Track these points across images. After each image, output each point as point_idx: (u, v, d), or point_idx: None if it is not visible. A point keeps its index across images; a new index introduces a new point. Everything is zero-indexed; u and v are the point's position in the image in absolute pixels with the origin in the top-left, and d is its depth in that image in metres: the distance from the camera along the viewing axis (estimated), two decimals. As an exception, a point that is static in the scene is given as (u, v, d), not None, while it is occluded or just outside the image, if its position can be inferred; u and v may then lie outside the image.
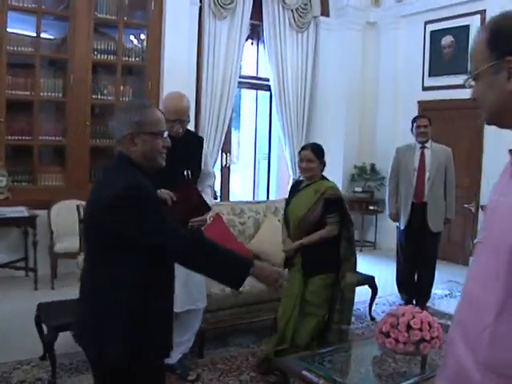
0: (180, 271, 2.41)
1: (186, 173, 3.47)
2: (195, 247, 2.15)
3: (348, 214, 3.84)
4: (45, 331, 3.80)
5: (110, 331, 2.08)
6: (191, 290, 3.69)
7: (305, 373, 2.82)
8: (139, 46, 6.91)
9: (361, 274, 5.36)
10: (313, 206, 3.73)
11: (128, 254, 2.06)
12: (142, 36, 6.86)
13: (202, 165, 3.75)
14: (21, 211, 5.64)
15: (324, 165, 3.89)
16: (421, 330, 2.95)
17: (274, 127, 8.59)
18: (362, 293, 5.34)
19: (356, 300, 5.39)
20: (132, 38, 6.90)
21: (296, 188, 4.01)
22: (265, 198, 8.16)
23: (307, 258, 3.77)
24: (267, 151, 9.03)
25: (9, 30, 6.00)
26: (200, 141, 3.85)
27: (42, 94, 6.24)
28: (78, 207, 4.53)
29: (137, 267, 2.07)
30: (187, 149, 3.60)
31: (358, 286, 5.15)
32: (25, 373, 3.78)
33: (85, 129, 6.43)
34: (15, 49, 6.08)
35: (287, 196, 4.13)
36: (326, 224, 3.72)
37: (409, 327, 2.97)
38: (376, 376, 3.20)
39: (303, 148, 3.93)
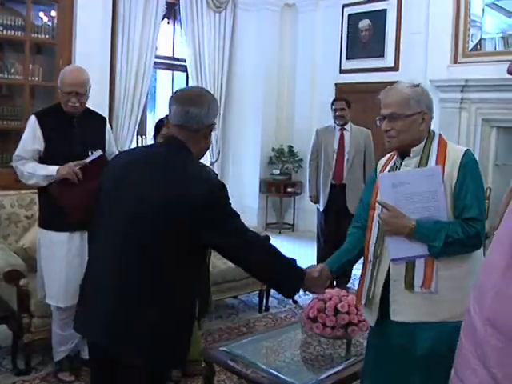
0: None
1: (91, 154, 3.34)
2: (264, 252, 2.17)
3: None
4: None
5: (168, 339, 2.01)
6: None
7: (231, 363, 2.76)
8: (49, 23, 6.52)
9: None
10: None
11: (193, 256, 2.03)
12: (53, 13, 6.47)
13: (106, 146, 3.55)
14: None
15: None
16: (348, 313, 2.96)
17: (191, 109, 8.42)
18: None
19: (277, 283, 5.49)
20: (41, 14, 6.49)
21: None
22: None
23: None
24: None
25: None
26: (102, 120, 3.67)
27: None
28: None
29: (196, 270, 2.10)
30: (87, 129, 3.42)
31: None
32: None
33: (-8, 110, 6.03)
34: None
35: None
36: None
37: (336, 311, 2.97)
38: (302, 360, 3.19)
39: (162, 123, 3.43)
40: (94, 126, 3.51)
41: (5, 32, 6.11)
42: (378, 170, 2.41)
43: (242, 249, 2.09)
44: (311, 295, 3.10)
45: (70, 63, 6.40)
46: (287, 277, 2.24)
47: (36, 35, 6.30)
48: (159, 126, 3.49)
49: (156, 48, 7.54)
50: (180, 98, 2.12)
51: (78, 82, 3.36)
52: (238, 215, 2.11)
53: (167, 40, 8.40)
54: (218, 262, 4.46)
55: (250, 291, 4.91)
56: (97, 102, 6.56)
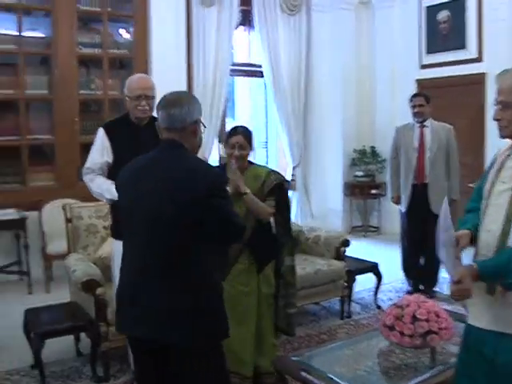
0: None
1: None
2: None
3: (287, 198, 3.61)
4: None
5: (206, 317, 2.19)
6: None
7: (303, 374, 2.63)
8: (125, 37, 6.70)
9: (364, 261, 5.20)
10: (258, 194, 3.35)
11: (207, 240, 2.21)
12: (128, 28, 6.64)
13: None
14: (10, 214, 5.47)
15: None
16: (427, 320, 2.76)
17: (271, 114, 8.39)
18: (367, 281, 5.17)
19: (360, 288, 5.31)
20: (117, 29, 6.68)
21: None
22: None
23: (260, 253, 3.41)
24: (265, 139, 8.85)
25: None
26: None
27: (26, 91, 6.04)
28: (64, 207, 4.34)
29: (211, 252, 2.25)
30: (156, 138, 3.38)
31: (362, 273, 5.02)
32: (13, 383, 3.63)
33: (73, 125, 6.23)
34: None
35: None
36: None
37: (414, 319, 2.78)
38: (382, 370, 3.01)
39: (233, 132, 3.42)
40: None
41: (84, 50, 6.32)
42: (499, 159, 2.22)
43: (241, 229, 2.35)
44: (395, 300, 2.95)
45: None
46: None
47: (113, 51, 6.49)
48: (230, 134, 3.44)
49: (232, 55, 7.56)
50: (163, 103, 2.28)
51: (147, 85, 3.43)
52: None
53: (243, 47, 8.44)
54: (296, 268, 4.35)
55: (330, 297, 4.77)
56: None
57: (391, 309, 2.89)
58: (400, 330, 2.77)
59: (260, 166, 3.57)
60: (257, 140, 9.04)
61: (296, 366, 2.74)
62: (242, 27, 8.05)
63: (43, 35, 6.28)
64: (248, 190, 3.23)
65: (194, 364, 2.20)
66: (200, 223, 2.13)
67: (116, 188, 2.43)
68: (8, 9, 6.02)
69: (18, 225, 5.56)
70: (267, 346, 3.42)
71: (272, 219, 3.49)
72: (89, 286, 3.59)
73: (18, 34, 5.95)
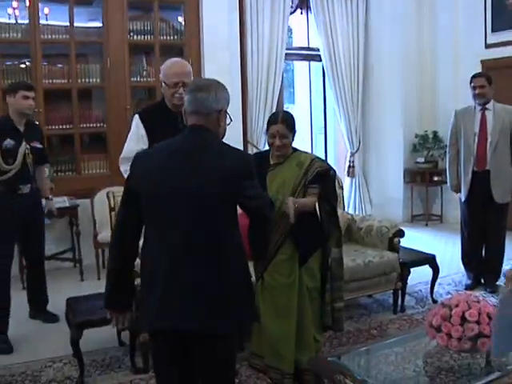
0: None
1: None
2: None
3: (334, 186, 3.43)
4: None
5: (245, 301, 2.22)
6: None
7: (338, 376, 2.45)
8: (176, 23, 6.62)
9: (421, 252, 4.93)
10: (301, 183, 3.21)
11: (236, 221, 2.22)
12: (179, 14, 6.56)
13: None
14: (62, 201, 5.52)
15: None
16: (478, 322, 2.52)
17: (329, 99, 8.15)
18: (424, 272, 4.91)
19: (417, 280, 5.05)
20: (169, 16, 6.61)
21: (264, 166, 3.32)
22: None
23: (302, 244, 3.24)
24: (323, 125, 8.63)
25: (42, 22, 5.92)
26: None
27: (79, 80, 6.09)
28: (108, 195, 4.31)
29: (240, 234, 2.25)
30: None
31: (417, 265, 4.75)
32: (55, 371, 3.64)
33: (125, 113, 6.21)
34: (49, 37, 5.95)
35: None
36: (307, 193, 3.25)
37: (464, 320, 2.55)
38: (430, 372, 2.78)
39: (272, 121, 3.28)
40: None
41: (135, 37, 6.29)
42: None
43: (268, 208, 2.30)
44: (454, 294, 2.71)
45: (199, 62, 6.48)
46: None
47: (164, 37, 6.43)
48: (269, 122, 3.31)
49: (289, 39, 7.39)
50: (191, 87, 2.26)
51: (184, 71, 3.30)
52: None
53: (301, 31, 8.22)
54: (345, 260, 4.15)
55: (382, 290, 4.53)
56: (230, 97, 6.59)
57: (438, 308, 2.66)
58: (447, 331, 2.54)
59: (304, 152, 3.41)
60: (315, 126, 8.85)
61: (332, 368, 2.57)
62: (299, 10, 7.85)
63: (95, 24, 6.30)
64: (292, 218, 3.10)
65: (228, 349, 2.25)
66: (235, 204, 2.17)
67: (143, 176, 2.21)
68: (58, 0, 6.05)
69: (71, 212, 5.62)
70: (308, 342, 3.29)
71: (317, 208, 3.34)
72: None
73: (69, 24, 5.98)
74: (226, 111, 2.28)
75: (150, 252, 2.19)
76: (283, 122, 3.22)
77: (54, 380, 3.53)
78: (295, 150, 3.36)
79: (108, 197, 4.31)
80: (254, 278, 3.30)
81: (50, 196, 4.70)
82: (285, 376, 3.27)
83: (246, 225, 3.69)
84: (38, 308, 4.59)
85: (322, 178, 3.25)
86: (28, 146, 4.23)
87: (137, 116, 3.39)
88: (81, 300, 3.83)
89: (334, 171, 3.45)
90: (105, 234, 5.38)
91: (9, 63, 6.02)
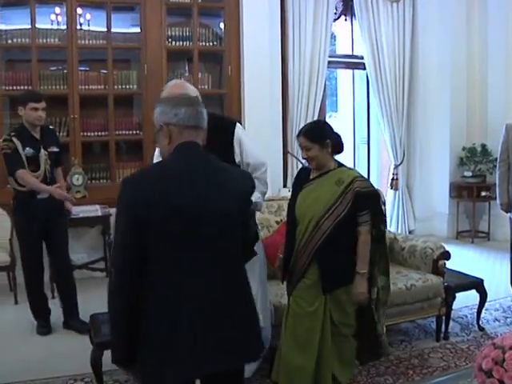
0: None
1: None
2: None
3: (382, 210, 3.13)
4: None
5: (257, 331, 2.14)
6: None
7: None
8: (217, 29, 6.48)
9: (468, 275, 4.61)
10: (337, 201, 2.95)
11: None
12: (219, 19, 6.41)
13: (239, 156, 3.17)
14: (95, 210, 5.42)
15: (333, 147, 3.04)
16: (536, 368, 2.24)
17: (373, 109, 7.89)
18: (470, 296, 4.59)
19: (461, 305, 4.73)
20: (208, 22, 6.47)
21: (304, 179, 3.17)
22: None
23: (327, 271, 2.97)
24: (366, 135, 8.36)
25: (83, 27, 5.90)
26: (225, 125, 3.22)
27: (115, 87, 6.00)
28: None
29: None
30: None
31: (463, 290, 4.44)
32: (74, 390, 3.50)
33: (162, 120, 6.09)
34: (87, 42, 5.90)
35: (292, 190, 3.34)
36: (358, 224, 2.97)
37: (519, 364, 2.27)
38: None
39: (298, 133, 3.14)
40: (220, 133, 3.09)
41: (173, 43, 6.18)
42: None
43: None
44: (501, 321, 2.45)
45: (239, 69, 6.32)
46: None
47: (203, 43, 6.31)
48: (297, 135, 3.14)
49: (331, 46, 7.18)
50: (188, 101, 2.14)
51: (192, 94, 3.00)
52: None
53: (346, 38, 7.99)
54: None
55: (425, 316, 4.23)
56: (269, 103, 6.46)
57: (489, 348, 2.39)
58: (499, 378, 2.25)
59: (349, 169, 3.12)
60: (358, 136, 8.58)
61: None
62: (343, 17, 7.62)
63: (132, 30, 6.22)
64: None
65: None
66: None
67: (159, 203, 1.93)
68: (98, 5, 6.00)
69: (103, 221, 5.52)
70: (326, 379, 3.01)
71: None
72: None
73: (107, 29, 5.92)
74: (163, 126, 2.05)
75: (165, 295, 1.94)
76: (305, 134, 3.05)
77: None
78: (341, 165, 3.12)
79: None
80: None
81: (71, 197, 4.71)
82: None
83: (279, 242, 3.52)
84: (70, 316, 4.54)
85: (364, 200, 2.98)
86: (46, 151, 4.33)
87: None
88: (105, 317, 3.66)
89: (377, 191, 3.17)
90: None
91: (53, 68, 5.99)
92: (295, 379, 3.02)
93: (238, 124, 3.24)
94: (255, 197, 3.07)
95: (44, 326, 4.40)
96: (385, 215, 3.22)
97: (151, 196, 1.92)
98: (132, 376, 2.15)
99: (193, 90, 3.01)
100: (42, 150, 4.31)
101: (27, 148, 4.23)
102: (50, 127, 4.77)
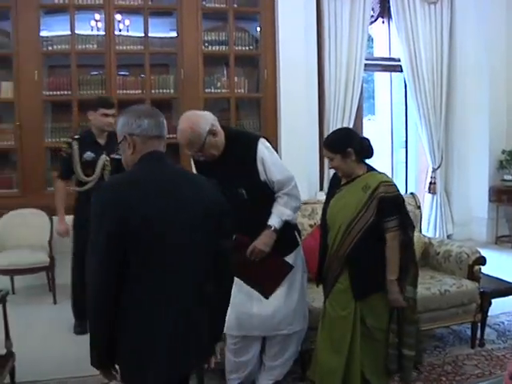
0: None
1: (239, 192, 3.05)
2: None
3: (408, 215, 3.06)
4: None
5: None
6: (280, 312, 3.21)
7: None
8: (255, 33, 6.52)
9: (505, 281, 4.52)
10: (364, 208, 2.94)
11: None
12: (255, 23, 6.46)
13: (264, 174, 3.12)
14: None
15: (359, 153, 3.03)
16: None
17: (410, 112, 7.81)
18: (507, 303, 4.52)
19: (500, 311, 4.65)
20: (244, 26, 6.53)
21: (336, 184, 3.19)
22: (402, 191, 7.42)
23: (358, 276, 2.98)
24: (404, 138, 8.28)
25: (122, 33, 6.04)
26: (248, 142, 3.14)
27: (153, 91, 6.10)
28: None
29: None
30: (229, 163, 3.05)
31: (500, 296, 4.35)
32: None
33: (199, 125, 6.16)
34: (124, 48, 6.04)
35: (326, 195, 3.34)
36: (384, 230, 2.94)
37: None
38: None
39: (323, 144, 3.17)
40: (241, 154, 3.11)
41: (209, 48, 6.26)
42: None
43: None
44: None
45: (275, 73, 6.34)
46: None
47: (239, 48, 6.36)
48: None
49: (368, 48, 7.15)
50: (147, 113, 2.17)
51: (186, 144, 3.00)
52: None
53: (383, 40, 7.94)
54: (420, 288, 3.85)
55: (459, 322, 4.16)
56: (305, 106, 6.47)
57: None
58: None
59: (377, 173, 3.09)
60: (396, 139, 8.50)
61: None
62: (380, 19, 7.58)
63: (170, 35, 6.32)
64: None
65: None
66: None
67: (137, 217, 1.95)
68: (136, 11, 6.11)
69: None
70: (354, 381, 3.02)
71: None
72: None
73: (144, 34, 6.03)
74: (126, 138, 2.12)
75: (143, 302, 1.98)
76: (326, 145, 3.09)
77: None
78: (370, 169, 3.11)
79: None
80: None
81: None
82: None
83: (313, 246, 3.53)
84: None
85: (388, 206, 2.94)
86: (108, 158, 4.40)
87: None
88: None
89: (402, 196, 3.11)
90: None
91: (93, 73, 6.14)
92: (326, 380, 3.05)
93: (261, 140, 3.16)
94: (286, 215, 3.13)
95: (81, 326, 4.51)
96: (411, 220, 3.15)
97: (123, 204, 1.95)
98: (110, 379, 2.08)
99: (205, 121, 2.99)
100: (103, 156, 4.41)
101: (88, 152, 4.35)
102: None
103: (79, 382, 3.67)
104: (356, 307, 2.98)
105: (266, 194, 3.14)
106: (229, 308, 3.01)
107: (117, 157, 4.40)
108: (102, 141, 4.48)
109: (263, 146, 3.13)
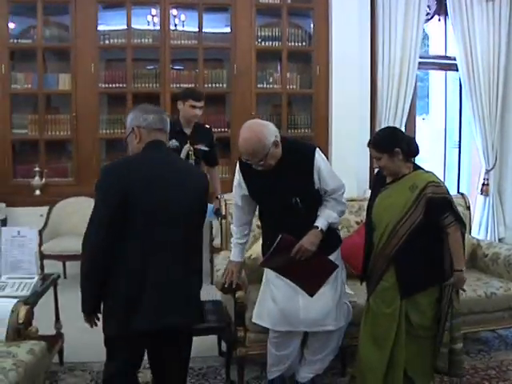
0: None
1: (294, 201, 3.07)
2: None
3: (458, 213, 3.01)
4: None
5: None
6: (326, 308, 3.23)
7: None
8: (309, 29, 6.53)
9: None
10: (411, 208, 2.93)
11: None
12: (309, 19, 6.47)
13: (318, 183, 3.14)
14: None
15: (406, 152, 3.01)
16: None
17: (465, 112, 7.64)
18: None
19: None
20: (300, 21, 6.54)
21: (381, 183, 3.18)
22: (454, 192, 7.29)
23: (405, 275, 2.98)
24: (458, 138, 8.12)
25: (178, 27, 6.17)
26: (305, 152, 3.17)
27: (206, 85, 6.20)
28: (220, 202, 4.38)
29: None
30: (287, 172, 3.08)
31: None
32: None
33: (250, 119, 6.21)
34: (179, 42, 6.16)
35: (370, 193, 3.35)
36: (444, 227, 2.94)
37: None
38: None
39: (368, 143, 3.14)
40: (297, 165, 3.14)
41: (263, 43, 6.32)
42: None
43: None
44: None
45: (327, 69, 6.34)
46: None
47: (292, 44, 6.38)
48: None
49: (423, 46, 7.04)
50: (154, 109, 2.66)
51: (248, 152, 3.00)
52: None
53: (439, 38, 7.80)
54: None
55: (505, 326, 4.09)
56: (357, 103, 6.45)
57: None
58: None
59: (425, 172, 3.10)
60: (449, 140, 8.34)
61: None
62: (436, 17, 7.45)
63: (224, 30, 6.41)
64: None
65: (190, 344, 2.76)
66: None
67: (138, 189, 2.43)
68: (191, 6, 6.23)
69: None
70: (396, 379, 3.02)
71: None
72: (229, 288, 3.45)
73: (198, 29, 6.15)
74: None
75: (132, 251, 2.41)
76: (372, 144, 3.10)
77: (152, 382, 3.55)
78: (417, 168, 3.11)
79: (220, 204, 4.34)
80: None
81: (219, 195, 5.03)
82: None
83: (358, 244, 3.54)
84: None
85: (436, 207, 2.93)
86: (192, 148, 4.62)
87: (238, 163, 3.28)
88: (205, 305, 3.80)
89: (450, 197, 3.08)
90: (218, 241, 5.39)
91: (148, 67, 6.29)
92: (368, 376, 3.08)
93: (317, 150, 3.17)
94: (332, 217, 3.17)
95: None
96: (463, 220, 3.12)
97: (123, 181, 2.40)
98: (90, 323, 2.58)
99: (270, 131, 3.03)
100: (188, 146, 4.63)
101: (173, 140, 4.48)
102: (206, 126, 5.01)
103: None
104: (401, 305, 2.99)
105: (317, 200, 3.19)
106: (273, 303, 3.11)
107: (202, 148, 4.61)
108: (187, 130, 4.70)
109: (319, 157, 3.15)
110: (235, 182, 3.32)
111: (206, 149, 4.79)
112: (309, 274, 3.16)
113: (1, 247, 4.00)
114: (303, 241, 3.09)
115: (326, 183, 3.14)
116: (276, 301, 3.22)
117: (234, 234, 3.45)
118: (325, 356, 3.39)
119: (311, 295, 3.19)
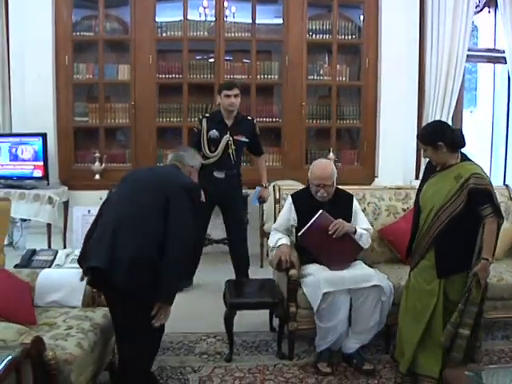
0: None
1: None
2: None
3: (498, 206, 3.17)
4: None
5: (143, 269, 2.89)
6: (367, 270, 3.76)
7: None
8: (359, 22, 6.67)
9: None
10: (454, 196, 3.16)
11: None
12: (360, 11, 6.61)
13: (352, 220, 3.87)
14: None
15: (451, 145, 3.24)
16: None
17: (512, 106, 7.66)
18: None
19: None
20: (351, 14, 6.69)
21: (431, 171, 3.44)
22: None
23: (443, 257, 3.22)
24: (505, 133, 8.11)
25: (229, 19, 6.37)
26: (350, 197, 3.99)
27: (258, 77, 6.42)
28: (274, 187, 4.56)
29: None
30: (336, 207, 3.82)
31: None
32: (208, 345, 3.97)
33: (301, 110, 6.46)
34: (233, 35, 6.38)
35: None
36: (482, 217, 3.13)
37: None
38: None
39: (417, 135, 3.46)
40: (342, 204, 3.90)
41: (313, 36, 6.48)
42: None
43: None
44: None
45: (376, 62, 6.48)
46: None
47: (342, 36, 6.53)
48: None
49: (475, 40, 7.04)
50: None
51: (324, 176, 3.79)
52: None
53: (488, 31, 7.80)
54: (506, 275, 3.95)
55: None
56: (405, 96, 6.57)
57: None
58: None
59: (471, 164, 3.32)
60: (496, 134, 8.33)
61: (466, 382, 2.49)
62: (486, 9, 7.47)
63: (275, 21, 6.58)
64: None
65: (124, 306, 2.89)
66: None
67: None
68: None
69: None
70: (433, 346, 3.25)
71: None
72: (283, 266, 3.71)
73: (252, 21, 6.35)
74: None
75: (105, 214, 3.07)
76: (419, 137, 3.39)
77: (206, 353, 3.85)
78: (465, 159, 3.33)
79: (274, 189, 4.56)
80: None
81: (265, 184, 5.28)
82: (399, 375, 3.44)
83: (404, 228, 3.76)
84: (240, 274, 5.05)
85: (477, 197, 3.14)
86: (231, 138, 4.87)
87: (290, 197, 3.98)
88: (239, 283, 4.12)
89: (492, 189, 3.23)
90: (269, 225, 5.61)
91: (201, 58, 6.55)
92: (404, 345, 3.36)
93: (355, 197, 4.06)
94: (363, 232, 3.88)
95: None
96: (501, 212, 3.27)
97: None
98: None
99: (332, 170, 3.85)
100: (227, 136, 4.89)
101: (214, 130, 4.87)
102: (249, 118, 5.27)
103: (197, 337, 4.08)
104: (440, 282, 3.22)
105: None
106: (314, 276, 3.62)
107: (242, 139, 4.90)
108: (228, 121, 4.95)
109: (356, 202, 4.02)
110: (284, 215, 4.00)
111: (246, 140, 5.03)
112: (338, 252, 3.69)
113: (72, 224, 4.35)
114: (340, 220, 3.70)
115: (361, 222, 3.92)
116: (318, 273, 3.68)
117: (275, 238, 3.98)
118: (370, 328, 3.66)
119: (331, 269, 3.68)
